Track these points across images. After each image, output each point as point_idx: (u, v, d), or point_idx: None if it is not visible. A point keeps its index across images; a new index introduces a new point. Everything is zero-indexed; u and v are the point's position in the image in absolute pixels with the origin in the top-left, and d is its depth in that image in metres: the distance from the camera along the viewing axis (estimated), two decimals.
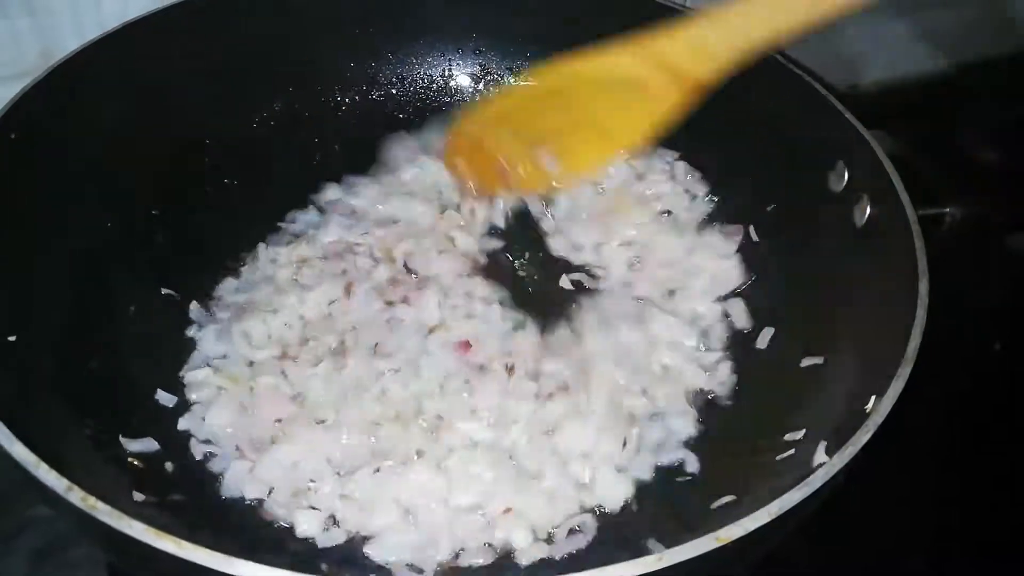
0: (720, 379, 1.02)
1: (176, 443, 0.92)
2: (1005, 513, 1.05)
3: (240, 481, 0.89)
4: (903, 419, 0.76)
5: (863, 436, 0.73)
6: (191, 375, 0.97)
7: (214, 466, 0.91)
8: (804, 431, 0.87)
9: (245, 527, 0.87)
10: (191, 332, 1.01)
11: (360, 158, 1.19)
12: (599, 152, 1.03)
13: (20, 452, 0.67)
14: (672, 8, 1.16)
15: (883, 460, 0.77)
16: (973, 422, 1.13)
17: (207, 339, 1.01)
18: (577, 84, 0.99)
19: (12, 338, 0.82)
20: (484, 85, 1.30)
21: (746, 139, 1.11)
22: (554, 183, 1.05)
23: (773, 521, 0.67)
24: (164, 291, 1.03)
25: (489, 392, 0.97)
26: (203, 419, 0.93)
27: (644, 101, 0.94)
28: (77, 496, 0.64)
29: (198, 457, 0.91)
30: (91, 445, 0.81)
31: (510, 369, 1.00)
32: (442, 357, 1.00)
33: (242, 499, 0.88)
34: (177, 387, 0.96)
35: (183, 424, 0.93)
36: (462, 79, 1.29)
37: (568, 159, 1.03)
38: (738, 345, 1.05)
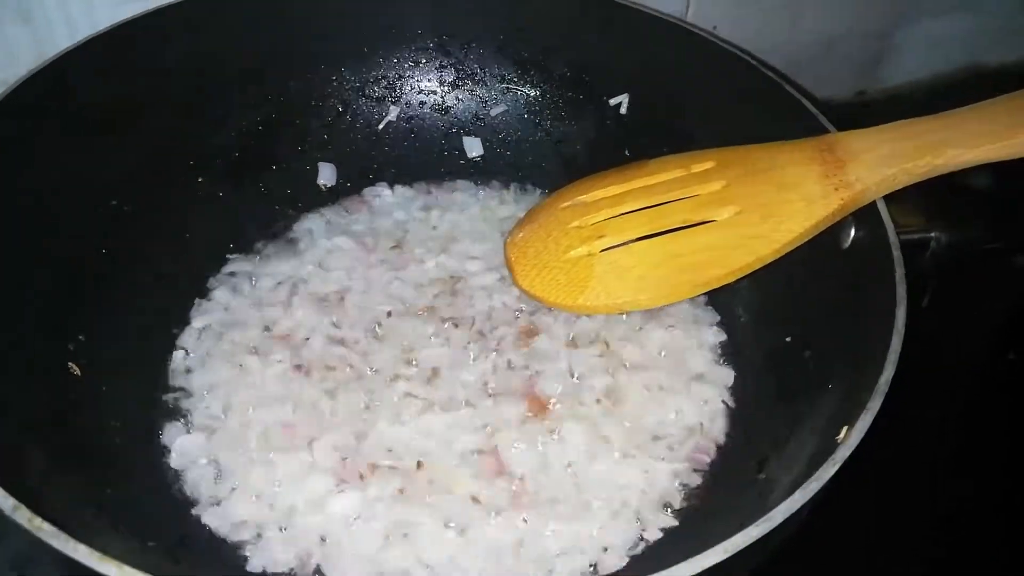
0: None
1: (147, 463, 0.93)
2: (1010, 527, 1.04)
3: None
4: (890, 437, 0.75)
5: (830, 469, 0.71)
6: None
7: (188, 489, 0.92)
8: (780, 458, 0.86)
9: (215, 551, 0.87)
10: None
11: None
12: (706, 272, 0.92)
13: None
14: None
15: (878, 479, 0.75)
16: (959, 442, 1.11)
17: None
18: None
19: None
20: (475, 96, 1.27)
21: None
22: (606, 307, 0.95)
23: (736, 554, 0.65)
24: (140, 303, 1.03)
25: None
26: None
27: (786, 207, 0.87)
28: (24, 516, 0.64)
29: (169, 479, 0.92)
30: (51, 463, 0.81)
31: None
32: None
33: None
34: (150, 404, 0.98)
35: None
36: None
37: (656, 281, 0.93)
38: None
